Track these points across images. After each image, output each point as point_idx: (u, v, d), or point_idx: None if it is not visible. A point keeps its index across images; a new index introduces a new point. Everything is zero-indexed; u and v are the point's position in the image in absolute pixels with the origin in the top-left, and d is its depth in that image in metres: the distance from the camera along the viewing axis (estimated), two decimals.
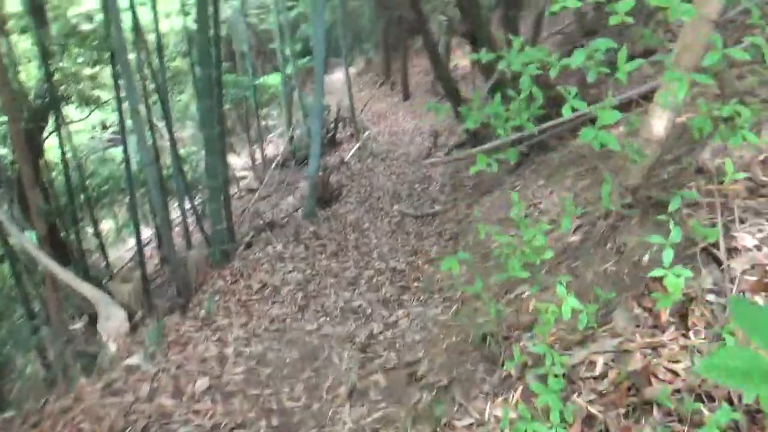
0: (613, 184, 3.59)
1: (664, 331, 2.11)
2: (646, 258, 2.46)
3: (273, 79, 13.84)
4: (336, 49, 16.51)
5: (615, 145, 2.07)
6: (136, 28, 6.37)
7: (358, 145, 11.83)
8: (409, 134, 12.40)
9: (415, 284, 4.53)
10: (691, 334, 2.05)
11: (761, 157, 2.87)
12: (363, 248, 5.86)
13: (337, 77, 17.20)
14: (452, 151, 8.83)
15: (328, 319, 4.23)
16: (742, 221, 2.34)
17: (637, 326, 2.20)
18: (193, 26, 6.28)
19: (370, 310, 4.26)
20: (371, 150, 11.51)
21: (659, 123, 2.69)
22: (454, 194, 7.47)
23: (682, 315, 2.13)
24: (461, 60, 15.50)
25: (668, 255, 1.81)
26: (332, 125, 12.82)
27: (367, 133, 12.89)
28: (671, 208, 2.04)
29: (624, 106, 6.02)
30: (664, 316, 2.15)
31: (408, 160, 10.23)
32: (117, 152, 11.82)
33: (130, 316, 4.43)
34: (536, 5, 11.17)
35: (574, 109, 2.33)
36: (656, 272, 1.76)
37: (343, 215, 7.13)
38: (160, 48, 7.15)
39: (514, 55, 2.39)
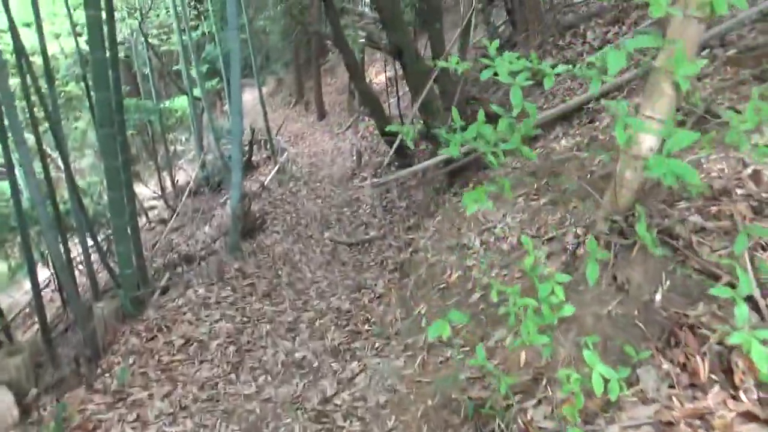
0: (587, 207, 3.30)
1: (706, 393, 1.75)
2: (658, 297, 2.11)
3: (180, 102, 12.92)
4: (245, 69, 15.78)
5: (607, 157, 1.70)
6: (18, 50, 5.51)
7: (276, 167, 11.19)
8: (329, 154, 11.91)
9: (366, 327, 4.03)
10: (741, 394, 1.70)
11: (748, 171, 2.64)
12: (298, 285, 5.29)
13: (247, 98, 16.43)
14: (383, 171, 8.43)
15: (268, 378, 3.62)
16: (764, 248, 2.05)
17: (671, 387, 1.83)
18: (87, 48, 5.50)
19: (317, 363, 3.70)
20: (291, 173, 10.91)
21: (648, 137, 2.37)
22: (387, 217, 7.06)
23: (725, 370, 1.79)
24: (375, 76, 15.29)
25: (742, 313, 1.44)
26: (247, 148, 12.11)
27: (284, 155, 12.28)
28: (737, 249, 1.68)
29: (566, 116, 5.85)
30: (703, 372, 1.79)
31: (332, 182, 9.73)
32: (5, 186, 10.54)
33: (20, 398, 3.61)
34: (457, 19, 11.10)
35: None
36: (736, 338, 1.37)
37: (270, 247, 6.51)
38: (49, 72, 6.27)
39: (501, 63, 1.99)
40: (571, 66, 2.08)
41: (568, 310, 1.66)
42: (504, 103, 7.15)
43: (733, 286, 1.99)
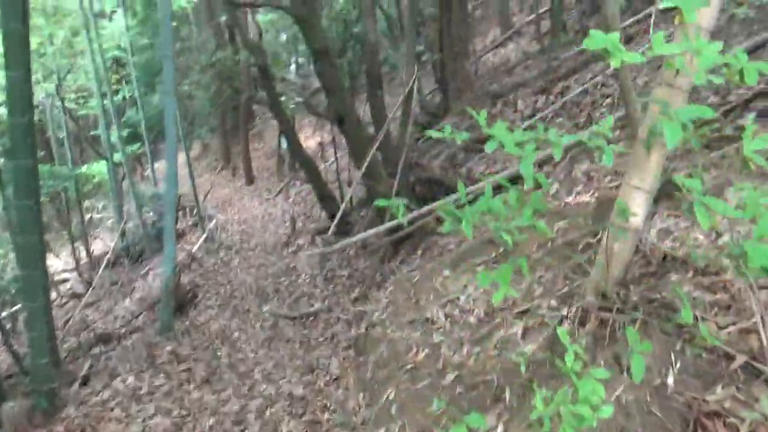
0: (560, 276, 3.19)
1: None
2: (670, 380, 1.98)
3: (98, 168, 12.21)
4: None
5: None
6: None
7: (204, 235, 10.65)
8: (260, 221, 11.52)
9: (326, 416, 3.66)
10: None
11: (725, 239, 2.63)
12: (240, 367, 4.84)
13: None
14: (322, 238, 8.17)
15: None
16: None
17: None
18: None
19: None
20: (221, 241, 10.41)
21: (636, 205, 2.30)
22: (329, 287, 6.76)
23: None
24: (305, 141, 15.22)
25: None
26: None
27: (213, 222, 11.77)
28: None
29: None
30: None
31: (266, 250, 9.33)
32: None
33: None
34: (397, 85, 11.29)
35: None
36: None
37: (205, 324, 6.01)
38: None
39: (504, 132, 1.86)
40: (579, 136, 1.99)
41: (608, 411, 1.48)
42: (446, 168, 7.19)
43: (749, 366, 1.90)
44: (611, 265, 2.33)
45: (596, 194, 4.07)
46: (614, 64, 1.49)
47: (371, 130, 7.31)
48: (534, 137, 1.84)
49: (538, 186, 1.98)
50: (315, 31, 5.83)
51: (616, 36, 1.50)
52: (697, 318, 2.06)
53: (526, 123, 7.37)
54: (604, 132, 1.84)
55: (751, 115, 3.82)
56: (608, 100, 6.79)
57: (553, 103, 7.67)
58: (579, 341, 2.45)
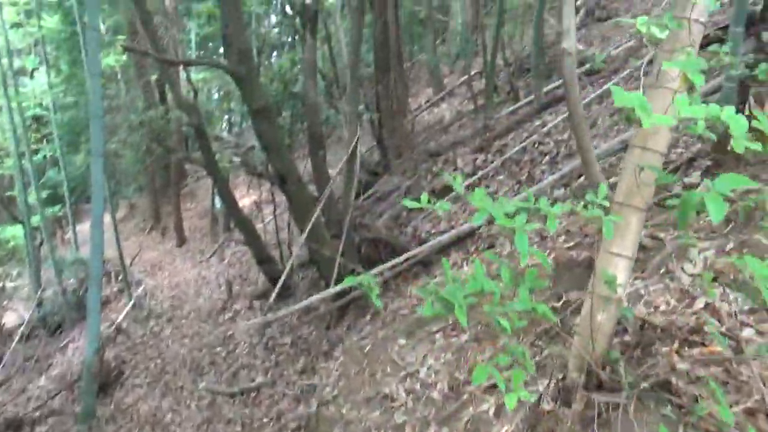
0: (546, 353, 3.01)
1: None
2: None
3: (12, 232, 11.29)
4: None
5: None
6: None
7: (131, 303, 9.92)
8: (193, 285, 10.89)
9: None
10: None
11: (700, 304, 2.55)
12: None
13: None
14: (262, 303, 7.73)
15: None
16: None
17: None
18: None
19: None
20: (150, 309, 9.71)
21: (618, 272, 2.17)
22: (271, 358, 6.32)
23: None
24: (242, 199, 14.79)
25: None
26: None
27: (141, 287, 11.02)
28: None
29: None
30: None
31: (200, 317, 8.75)
32: None
33: None
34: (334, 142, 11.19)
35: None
36: None
37: (133, 407, 5.43)
38: None
39: (493, 204, 1.69)
40: (572, 205, 1.85)
41: None
42: (391, 227, 7.03)
43: None
44: (595, 338, 2.18)
45: (552, 255, 3.99)
46: (644, 125, 1.36)
47: (312, 188, 7.10)
48: (523, 206, 1.68)
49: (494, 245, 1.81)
50: (254, 89, 5.64)
51: (642, 97, 1.38)
52: (697, 398, 1.92)
53: (469, 181, 7.40)
54: (600, 202, 1.70)
55: (697, 173, 3.89)
56: (547, 158, 6.92)
57: (492, 162, 7.77)
58: (564, 424, 2.26)
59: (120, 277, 11.09)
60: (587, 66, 9.74)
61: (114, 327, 8.46)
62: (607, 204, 1.85)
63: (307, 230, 5.91)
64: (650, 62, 6.20)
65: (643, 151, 2.14)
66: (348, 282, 2.07)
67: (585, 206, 1.80)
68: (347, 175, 6.26)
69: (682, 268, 2.82)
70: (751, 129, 1.43)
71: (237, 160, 7.89)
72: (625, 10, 13.61)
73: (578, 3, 13.92)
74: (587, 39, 12.13)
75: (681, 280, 2.76)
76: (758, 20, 3.93)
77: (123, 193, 17.07)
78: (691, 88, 1.57)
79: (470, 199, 1.73)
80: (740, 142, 1.39)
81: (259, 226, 10.28)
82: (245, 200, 13.32)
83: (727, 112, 1.34)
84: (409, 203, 1.89)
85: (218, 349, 7.23)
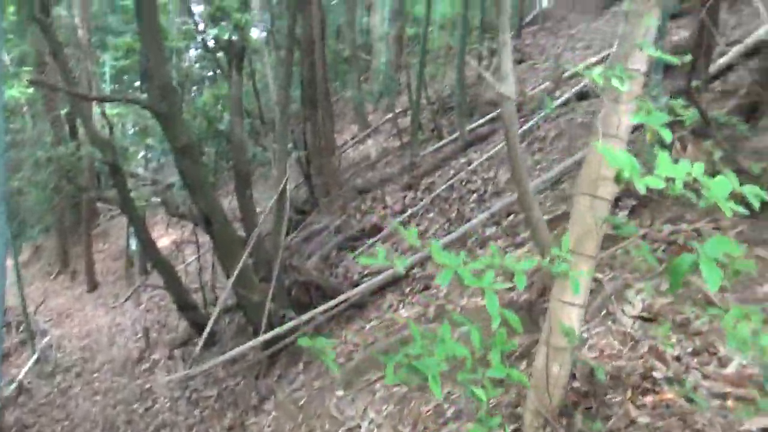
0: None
1: None
2: None
3: None
4: None
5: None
6: None
7: (35, 356, 9.05)
8: (106, 333, 10.12)
9: None
10: None
11: (644, 348, 2.56)
12: None
13: None
14: (185, 353, 7.24)
15: None
16: None
17: None
18: None
19: None
20: (57, 362, 8.90)
21: (572, 321, 2.13)
22: (195, 413, 5.90)
23: None
24: (160, 239, 14.06)
25: None
26: None
27: (46, 338, 10.10)
28: None
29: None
30: None
31: (114, 370, 8.10)
32: None
33: None
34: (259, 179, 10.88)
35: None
36: None
37: None
38: None
39: (454, 259, 1.59)
40: (541, 259, 1.77)
41: None
42: (321, 268, 6.84)
43: None
44: (551, 391, 2.11)
45: None
46: (639, 188, 1.31)
47: (239, 228, 6.81)
48: (489, 264, 1.59)
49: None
50: (177, 127, 5.38)
51: (633, 159, 1.33)
52: None
53: (399, 219, 7.37)
54: (563, 255, 1.65)
55: (624, 213, 4.01)
56: (475, 196, 7.02)
57: (421, 199, 7.80)
58: None
59: (22, 328, 10.13)
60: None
61: (15, 385, 7.64)
62: (569, 257, 1.79)
63: (233, 273, 5.62)
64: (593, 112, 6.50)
65: (592, 198, 2.14)
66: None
67: (550, 261, 1.73)
68: (277, 215, 6.05)
69: (623, 310, 2.85)
70: None
71: (156, 199, 7.47)
72: (539, 53, 14.37)
73: (494, 46, 14.55)
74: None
75: (622, 323, 2.78)
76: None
77: (27, 235, 15.79)
78: (661, 143, 1.56)
79: (435, 256, 1.63)
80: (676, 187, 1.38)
81: (179, 267, 9.77)
82: (164, 240, 12.67)
83: (697, 168, 1.32)
84: (363, 260, 1.76)
85: (135, 405, 6.68)
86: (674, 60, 1.70)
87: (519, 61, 14.08)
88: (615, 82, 1.63)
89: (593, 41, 12.84)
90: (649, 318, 2.67)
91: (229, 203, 7.63)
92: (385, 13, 16.34)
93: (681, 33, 8.58)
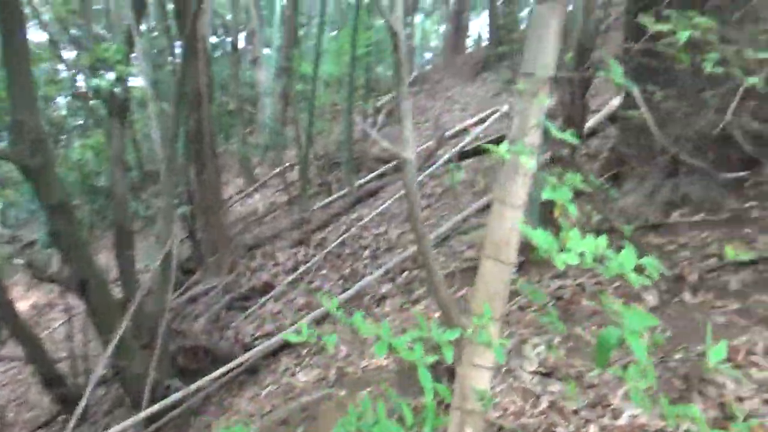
0: None
1: None
2: None
3: None
4: None
5: None
6: None
7: None
8: None
9: None
10: None
11: (545, 404, 2.68)
12: None
13: None
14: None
15: None
16: None
17: None
18: None
19: None
20: None
21: (482, 385, 2.18)
22: None
23: None
24: (19, 302, 12.59)
25: None
26: None
27: None
28: None
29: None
30: None
31: None
32: None
33: None
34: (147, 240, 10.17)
35: None
36: None
37: None
38: None
39: (385, 330, 1.58)
40: (462, 329, 1.80)
41: None
42: (210, 331, 6.49)
43: None
44: None
45: (394, 358, 3.97)
46: (558, 266, 1.39)
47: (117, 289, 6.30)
48: (418, 337, 1.60)
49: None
50: (50, 183, 4.93)
51: (549, 236, 1.41)
52: None
53: (292, 276, 7.24)
54: (485, 324, 1.70)
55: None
56: (367, 252, 7.10)
57: (314, 256, 7.74)
58: None
59: None
60: (393, 163, 10.48)
61: None
62: (491, 324, 1.86)
63: (111, 340, 5.16)
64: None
65: (494, 261, 2.25)
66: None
67: (473, 330, 1.78)
68: (162, 276, 5.70)
69: (521, 366, 2.98)
70: None
71: (21, 262, 6.73)
72: (419, 113, 15.15)
73: (378, 105, 15.16)
74: (390, 138, 13.14)
75: (522, 379, 2.90)
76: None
77: None
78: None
79: (364, 331, 1.61)
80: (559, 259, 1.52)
81: (43, 334, 8.81)
82: (23, 303, 11.40)
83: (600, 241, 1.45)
84: (290, 337, 1.70)
85: None
86: (573, 138, 1.87)
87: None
88: (523, 159, 1.76)
89: (469, 104, 13.81)
90: (546, 373, 2.81)
91: (106, 261, 7.07)
92: (271, 68, 16.49)
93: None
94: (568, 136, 1.75)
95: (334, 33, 18.66)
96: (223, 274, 7.72)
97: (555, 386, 2.71)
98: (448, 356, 1.60)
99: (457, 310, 3.21)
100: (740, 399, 2.15)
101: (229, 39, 15.07)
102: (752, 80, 1.87)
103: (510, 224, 2.24)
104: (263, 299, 6.94)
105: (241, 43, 16.81)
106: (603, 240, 1.44)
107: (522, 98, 2.25)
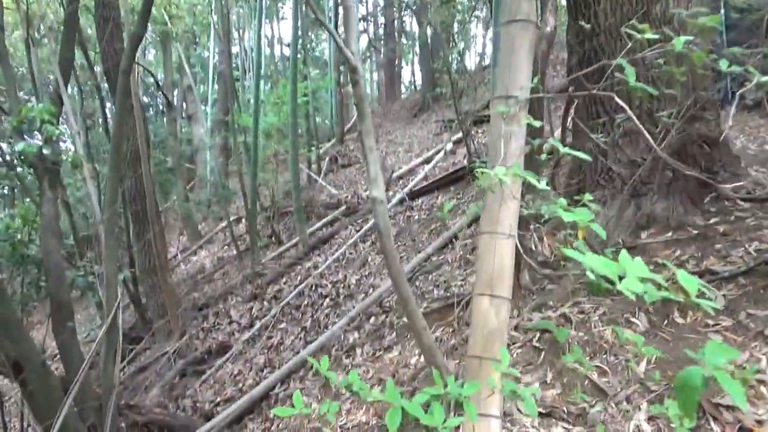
0: None
1: None
2: None
3: None
4: None
5: None
6: None
7: None
8: None
9: None
10: None
11: None
12: None
13: None
14: None
15: None
16: None
17: None
18: None
19: None
20: None
21: (493, 426, 1.98)
22: None
23: None
24: None
25: None
26: None
27: None
28: None
29: None
30: None
31: None
32: None
33: None
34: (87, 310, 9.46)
35: None
36: None
37: None
38: None
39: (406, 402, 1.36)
40: (489, 385, 1.61)
41: None
42: (164, 403, 5.99)
43: None
44: None
45: (375, 410, 3.70)
46: (628, 295, 1.22)
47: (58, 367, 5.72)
48: (436, 394, 1.39)
49: None
50: None
51: (615, 267, 1.25)
52: None
53: (249, 333, 6.85)
54: (457, 392, 1.51)
55: None
56: (328, 300, 6.83)
57: (270, 309, 7.39)
58: None
59: None
60: (342, 208, 10.32)
61: None
62: (515, 374, 1.67)
63: (54, 426, 4.63)
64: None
65: (490, 298, 2.09)
66: None
67: (499, 380, 1.59)
68: (107, 348, 5.21)
69: (519, 409, 2.79)
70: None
71: None
72: (363, 156, 15.12)
73: (321, 152, 15.06)
74: (336, 183, 13.03)
75: (521, 423, 2.71)
76: None
77: None
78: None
79: (361, 395, 1.39)
80: None
81: None
82: None
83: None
84: (281, 411, 1.45)
85: None
86: (586, 157, 1.76)
87: (346, 165, 14.70)
88: (513, 184, 1.63)
89: (412, 145, 13.92)
90: (546, 413, 2.64)
91: (43, 336, 6.46)
92: (208, 123, 16.21)
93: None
94: (583, 155, 1.63)
95: (269, 86, 18.67)
96: (174, 338, 7.22)
97: (557, 429, 2.53)
98: (472, 414, 1.40)
99: (441, 357, 3.02)
100: (759, 422, 2.04)
101: (162, 97, 14.76)
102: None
103: (503, 256, 2.10)
104: (220, 361, 6.51)
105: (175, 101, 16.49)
106: (640, 264, 1.30)
107: (503, 121, 2.15)
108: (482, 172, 1.88)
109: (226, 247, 12.42)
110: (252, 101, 9.84)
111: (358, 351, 4.72)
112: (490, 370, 2.01)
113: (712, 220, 3.72)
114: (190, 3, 13.50)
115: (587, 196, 1.68)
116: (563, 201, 1.70)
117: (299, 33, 11.61)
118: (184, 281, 10.76)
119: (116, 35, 7.41)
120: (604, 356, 2.84)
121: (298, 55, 12.18)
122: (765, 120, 6.48)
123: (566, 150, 1.76)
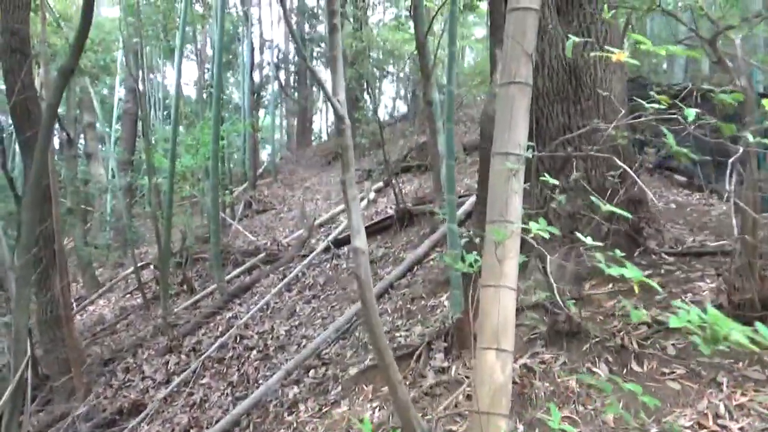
0: None
1: None
2: None
3: None
4: None
5: None
6: None
7: None
8: None
9: None
10: None
11: None
12: None
13: None
14: None
15: None
16: None
17: None
18: None
19: None
20: None
21: None
22: None
23: None
24: None
25: None
26: None
27: None
28: None
29: None
30: None
31: None
32: None
33: None
34: None
35: None
36: None
37: None
38: None
39: None
40: None
41: None
42: None
43: None
44: None
45: None
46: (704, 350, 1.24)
47: None
48: None
49: None
50: None
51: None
52: None
53: (166, 390, 6.35)
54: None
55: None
56: (255, 353, 6.52)
57: (188, 364, 6.92)
58: None
59: None
60: (261, 255, 10.03)
61: None
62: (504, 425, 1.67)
63: None
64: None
65: (496, 352, 2.10)
66: None
67: None
68: (9, 417, 4.63)
69: None
70: None
71: None
72: (279, 203, 14.95)
73: (234, 196, 14.67)
74: (251, 228, 12.69)
75: None
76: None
77: None
78: None
79: None
80: None
81: None
82: None
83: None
84: None
85: None
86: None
87: (261, 211, 14.40)
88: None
89: (330, 192, 13.95)
90: None
91: None
92: (111, 162, 15.35)
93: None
94: (625, 212, 1.71)
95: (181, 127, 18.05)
96: (79, 397, 6.54)
97: None
98: None
99: (415, 412, 2.97)
100: None
101: (61, 133, 13.78)
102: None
103: (507, 308, 2.14)
104: (134, 422, 5.96)
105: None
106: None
107: (500, 179, 2.22)
108: (495, 229, 1.92)
109: (128, 295, 11.60)
110: (169, 142, 9.43)
111: (302, 407, 4.52)
112: (498, 427, 2.00)
113: (646, 273, 4.01)
114: (101, 37, 12.93)
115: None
116: (600, 255, 1.78)
117: (221, 73, 11.42)
118: (82, 334, 9.85)
119: (25, 67, 6.90)
120: (572, 406, 2.92)
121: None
122: (662, 181, 7.20)
123: (612, 208, 1.85)
